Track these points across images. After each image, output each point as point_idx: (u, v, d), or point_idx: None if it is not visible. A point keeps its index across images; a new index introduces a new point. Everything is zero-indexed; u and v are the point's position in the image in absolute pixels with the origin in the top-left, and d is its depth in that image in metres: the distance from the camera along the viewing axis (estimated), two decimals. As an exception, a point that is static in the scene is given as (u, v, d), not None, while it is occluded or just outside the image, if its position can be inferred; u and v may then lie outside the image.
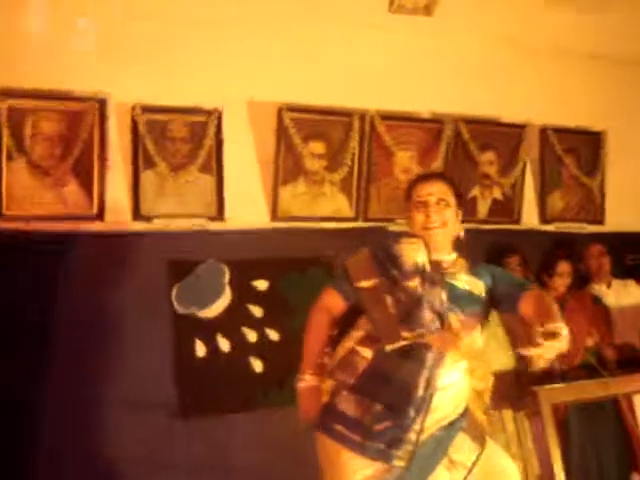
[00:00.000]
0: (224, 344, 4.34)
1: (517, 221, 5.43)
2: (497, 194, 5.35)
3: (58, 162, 4.22)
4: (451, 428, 2.64)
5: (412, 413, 2.53)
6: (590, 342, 4.78)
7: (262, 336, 4.43)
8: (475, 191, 5.28)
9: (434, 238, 2.69)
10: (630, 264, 5.51)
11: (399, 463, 2.52)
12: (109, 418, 4.10)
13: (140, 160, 4.40)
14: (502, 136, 5.34)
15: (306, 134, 4.69)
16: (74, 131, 4.24)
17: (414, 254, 2.64)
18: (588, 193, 5.67)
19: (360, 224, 4.93)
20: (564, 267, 4.91)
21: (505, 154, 5.35)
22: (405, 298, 2.58)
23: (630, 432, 4.62)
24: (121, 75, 4.32)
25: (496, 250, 5.10)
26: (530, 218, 5.49)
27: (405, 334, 2.55)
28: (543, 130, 5.50)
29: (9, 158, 4.11)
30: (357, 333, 2.67)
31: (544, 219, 5.53)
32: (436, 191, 2.74)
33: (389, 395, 2.54)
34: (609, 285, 5.21)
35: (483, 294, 2.74)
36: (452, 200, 2.77)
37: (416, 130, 5.03)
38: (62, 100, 4.23)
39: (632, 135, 5.76)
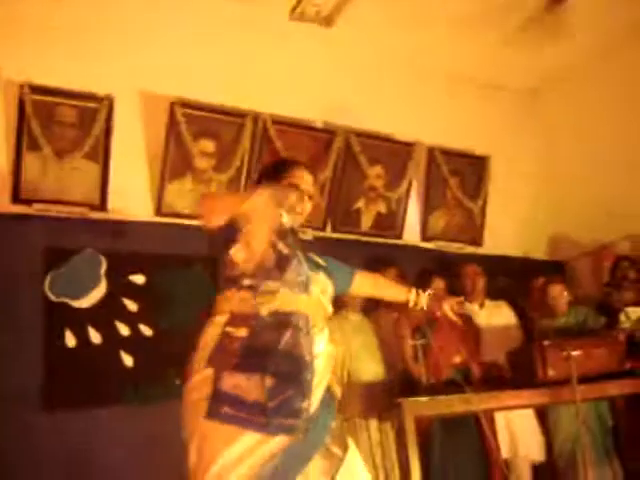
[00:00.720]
0: (95, 336, 4.26)
1: (399, 236, 5.56)
2: (382, 208, 5.46)
3: None
4: (327, 409, 2.67)
5: (308, 377, 2.56)
6: (458, 359, 4.90)
7: (135, 331, 4.37)
8: (360, 203, 5.38)
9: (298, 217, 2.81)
10: (502, 286, 5.69)
11: (299, 434, 2.51)
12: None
13: (24, 141, 4.27)
14: (391, 152, 5.47)
15: (197, 131, 4.67)
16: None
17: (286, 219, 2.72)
18: (469, 215, 5.86)
19: (245, 226, 4.91)
20: (438, 284, 5.04)
21: (393, 170, 5.47)
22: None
23: (488, 449, 4.76)
24: (13, 52, 4.21)
25: (375, 262, 5.22)
26: (412, 234, 5.62)
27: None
28: (431, 150, 5.65)
29: None
30: (220, 318, 2.66)
31: (425, 236, 5.69)
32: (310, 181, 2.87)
33: (278, 365, 2.53)
34: (482, 305, 5.36)
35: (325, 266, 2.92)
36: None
37: (308, 138, 5.09)
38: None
39: (515, 162, 6.00)
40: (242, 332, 2.58)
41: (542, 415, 4.96)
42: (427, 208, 5.68)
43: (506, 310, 5.43)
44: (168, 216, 4.65)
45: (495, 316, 5.34)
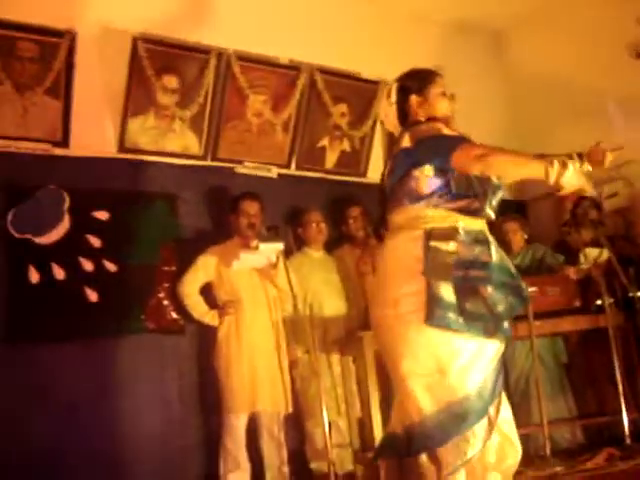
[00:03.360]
0: (59, 272, 4.26)
1: (363, 174, 5.59)
2: (346, 146, 5.48)
3: None
4: None
5: (523, 285, 2.74)
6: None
7: (99, 266, 4.37)
8: (325, 141, 5.39)
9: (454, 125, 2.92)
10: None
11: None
12: None
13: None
14: (357, 90, 5.45)
15: (160, 67, 4.61)
16: None
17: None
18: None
19: (208, 163, 4.94)
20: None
21: (358, 108, 5.47)
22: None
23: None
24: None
25: (340, 200, 5.27)
26: (376, 172, 5.60)
27: None
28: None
29: None
30: (417, 233, 2.70)
31: (388, 175, 5.68)
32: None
33: (495, 276, 2.66)
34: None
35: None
36: None
37: (272, 75, 5.05)
38: None
39: (477, 104, 5.95)
40: (451, 247, 2.65)
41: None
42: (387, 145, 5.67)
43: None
44: (131, 152, 4.63)
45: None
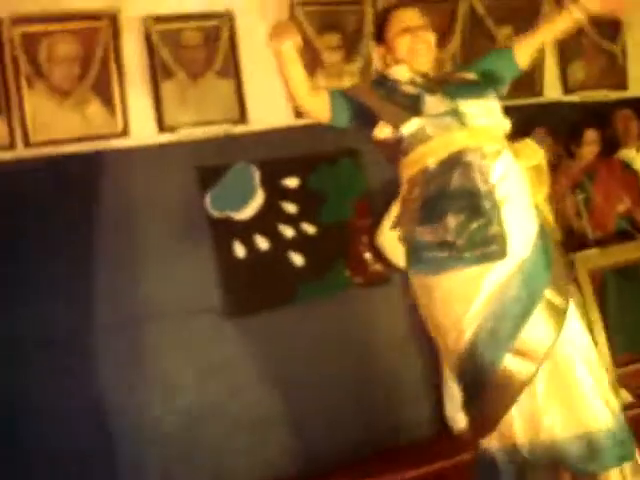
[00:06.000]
0: (263, 242, 4.41)
1: (539, 93, 5.36)
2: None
3: (77, 83, 4.25)
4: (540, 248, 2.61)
5: (488, 205, 2.56)
6: (622, 208, 4.79)
7: (298, 231, 4.48)
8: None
9: (420, 59, 2.78)
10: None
11: (501, 257, 2.53)
12: (152, 330, 4.22)
13: (158, 72, 4.40)
14: (518, 8, 5.20)
15: (320, 26, 4.64)
16: (89, 50, 4.24)
17: (403, 72, 2.77)
18: (610, 59, 5.56)
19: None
20: (591, 135, 4.90)
21: (523, 27, 5.20)
22: (404, 99, 2.69)
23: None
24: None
25: (521, 125, 5.08)
26: (552, 90, 5.41)
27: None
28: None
29: (29, 86, 4.15)
30: (405, 187, 2.75)
31: (567, 89, 5.45)
32: (416, 16, 2.85)
33: (457, 205, 2.56)
34: (639, 149, 5.17)
35: (479, 77, 2.83)
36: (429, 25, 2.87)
37: (431, 13, 4.90)
38: (73, 20, 4.23)
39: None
40: (416, 192, 2.65)
41: None
42: (564, 60, 5.43)
43: (665, 149, 5.21)
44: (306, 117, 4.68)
45: (654, 158, 5.14)
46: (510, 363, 2.50)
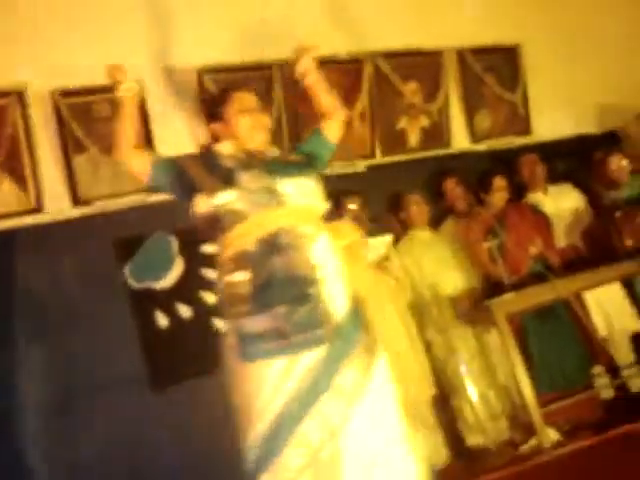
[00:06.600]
0: (185, 311, 4.40)
1: (448, 144, 5.52)
2: (424, 122, 5.42)
3: (-14, 163, 4.19)
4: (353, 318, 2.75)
5: (312, 291, 2.66)
6: (534, 250, 4.90)
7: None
8: (403, 123, 5.35)
9: (257, 138, 2.90)
10: (562, 169, 5.62)
11: (327, 340, 2.64)
12: (79, 405, 4.15)
13: (70, 146, 4.39)
14: (422, 65, 5.41)
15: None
16: (-2, 128, 4.19)
17: (227, 147, 2.89)
18: (512, 107, 5.77)
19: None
20: (499, 182, 5.03)
21: (427, 82, 5.42)
22: (220, 172, 2.77)
23: (585, 328, 4.78)
24: (34, 63, 4.30)
25: (432, 176, 5.24)
26: (460, 140, 5.58)
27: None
28: (460, 53, 5.56)
29: None
30: (227, 267, 2.75)
31: (474, 138, 5.63)
32: (254, 100, 2.98)
33: (284, 294, 2.64)
34: (545, 192, 5.33)
35: (303, 158, 2.98)
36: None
37: (335, 72, 4.97)
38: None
39: (545, 45, 5.85)
40: (239, 276, 2.70)
41: (630, 287, 4.93)
42: (469, 111, 5.62)
43: (571, 192, 5.40)
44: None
45: (561, 200, 5.31)
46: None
